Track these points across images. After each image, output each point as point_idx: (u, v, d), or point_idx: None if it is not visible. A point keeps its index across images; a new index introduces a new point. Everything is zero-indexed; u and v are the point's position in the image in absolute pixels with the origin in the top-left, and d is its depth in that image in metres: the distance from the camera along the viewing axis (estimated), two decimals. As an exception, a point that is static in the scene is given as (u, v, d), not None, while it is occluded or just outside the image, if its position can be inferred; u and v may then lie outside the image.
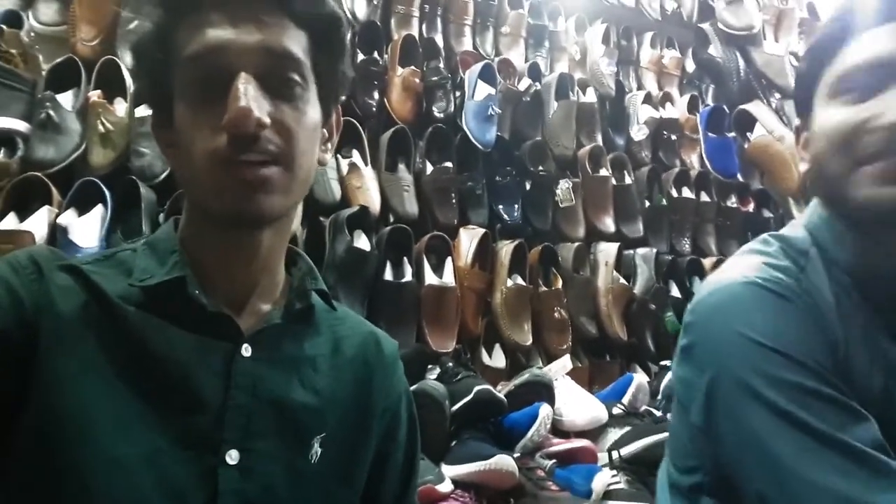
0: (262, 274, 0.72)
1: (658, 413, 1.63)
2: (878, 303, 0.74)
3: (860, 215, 0.72)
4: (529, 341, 1.79)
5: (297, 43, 0.65)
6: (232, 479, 0.63)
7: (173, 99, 0.65)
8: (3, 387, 0.58)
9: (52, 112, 1.39)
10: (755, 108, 2.08)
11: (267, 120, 0.61)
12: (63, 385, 0.59)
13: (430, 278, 1.70)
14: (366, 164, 1.76)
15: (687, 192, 2.30)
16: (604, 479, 1.35)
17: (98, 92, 1.46)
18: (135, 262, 0.68)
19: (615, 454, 1.47)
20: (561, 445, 1.48)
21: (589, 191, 2.09)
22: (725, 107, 2.30)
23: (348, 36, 0.73)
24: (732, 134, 2.26)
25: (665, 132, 2.33)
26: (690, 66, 2.55)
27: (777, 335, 0.69)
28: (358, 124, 1.77)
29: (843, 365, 0.71)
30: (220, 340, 0.67)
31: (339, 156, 1.73)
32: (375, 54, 1.86)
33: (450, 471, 1.30)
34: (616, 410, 1.61)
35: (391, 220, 1.77)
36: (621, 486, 1.36)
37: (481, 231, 1.81)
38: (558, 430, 1.59)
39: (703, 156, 2.34)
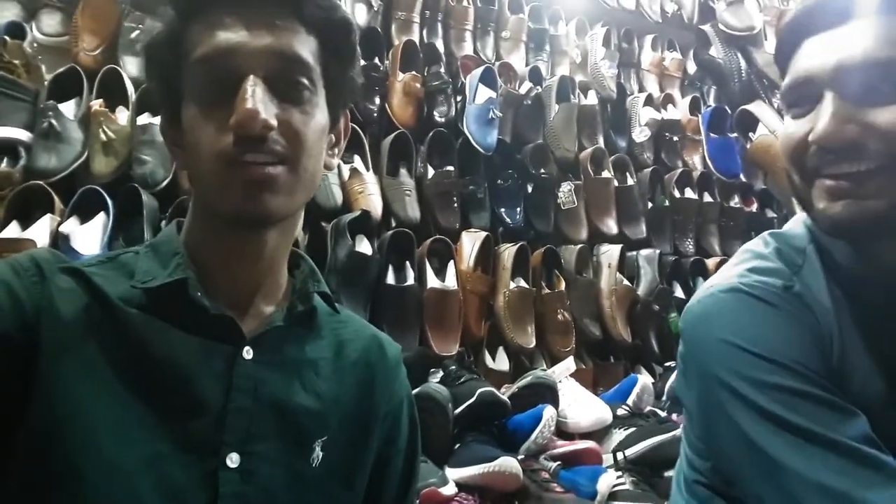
0: (266, 276, 0.72)
1: (663, 414, 1.62)
2: (874, 302, 0.74)
3: (823, 227, 0.72)
4: (533, 344, 1.79)
5: (307, 47, 0.66)
6: (232, 482, 0.63)
7: (182, 100, 0.65)
8: (5, 388, 0.58)
9: (54, 121, 1.40)
10: (757, 108, 2.08)
11: (274, 122, 0.61)
12: (64, 387, 0.59)
13: (432, 282, 1.70)
14: (367, 169, 1.77)
15: (689, 193, 2.30)
16: (609, 480, 1.34)
17: (100, 101, 1.47)
18: (137, 265, 0.68)
19: (620, 455, 1.47)
20: (565, 447, 1.47)
21: (591, 193, 2.09)
22: (727, 108, 2.30)
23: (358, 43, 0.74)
24: (734, 134, 2.26)
25: (667, 133, 2.33)
26: (692, 67, 2.55)
27: (761, 340, 0.70)
28: (359, 129, 1.78)
29: (839, 365, 0.71)
30: (221, 343, 0.67)
31: (340, 161, 1.74)
32: (376, 60, 1.87)
33: (453, 473, 1.30)
34: (621, 411, 1.61)
35: (393, 224, 1.77)
36: (626, 487, 1.35)
37: (483, 234, 1.81)
38: (563, 431, 1.58)
39: (706, 156, 2.34)
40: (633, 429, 1.53)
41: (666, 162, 2.34)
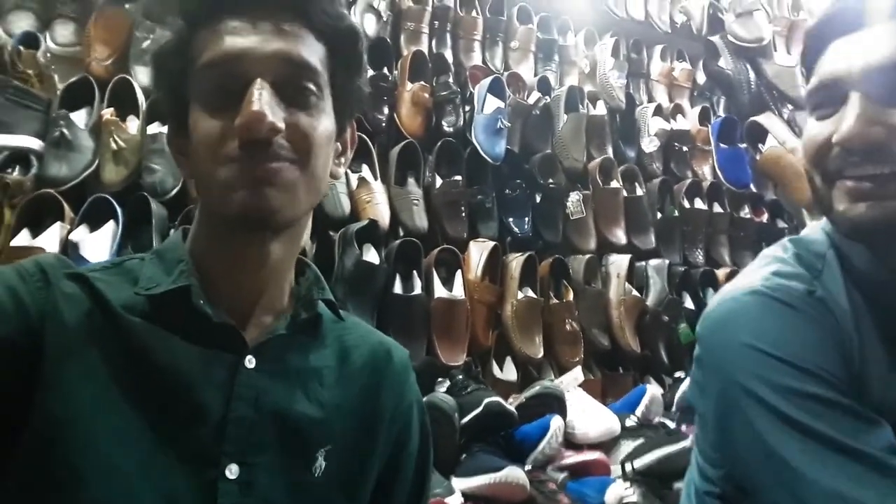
0: (270, 285, 0.71)
1: (672, 425, 1.60)
2: (894, 307, 0.73)
3: (842, 229, 0.71)
4: (541, 354, 1.78)
5: (314, 54, 0.66)
6: (231, 493, 0.62)
7: (189, 107, 0.65)
8: (8, 391, 0.58)
9: (65, 130, 1.42)
10: (766, 119, 2.07)
11: (281, 125, 0.61)
12: (65, 393, 0.59)
13: (439, 291, 1.69)
14: (375, 179, 1.77)
15: (699, 203, 2.29)
16: (617, 491, 1.33)
17: (111, 110, 1.49)
18: (142, 271, 0.68)
19: (628, 466, 1.45)
20: (573, 458, 1.46)
21: (600, 203, 2.08)
22: (737, 118, 2.29)
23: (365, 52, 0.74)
24: (744, 145, 2.25)
25: (676, 144, 2.33)
26: (701, 77, 2.55)
27: (783, 344, 0.69)
28: (368, 139, 1.78)
29: (860, 371, 0.70)
30: (224, 351, 0.66)
31: (348, 170, 1.74)
32: (385, 70, 1.88)
33: (460, 484, 1.29)
34: (629, 422, 1.59)
35: (401, 233, 1.77)
36: (635, 498, 1.34)
37: (491, 244, 1.80)
38: (571, 442, 1.57)
39: (716, 167, 2.33)
40: (641, 440, 1.52)
41: (675, 172, 2.33)
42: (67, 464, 0.57)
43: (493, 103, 1.93)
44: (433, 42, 2.03)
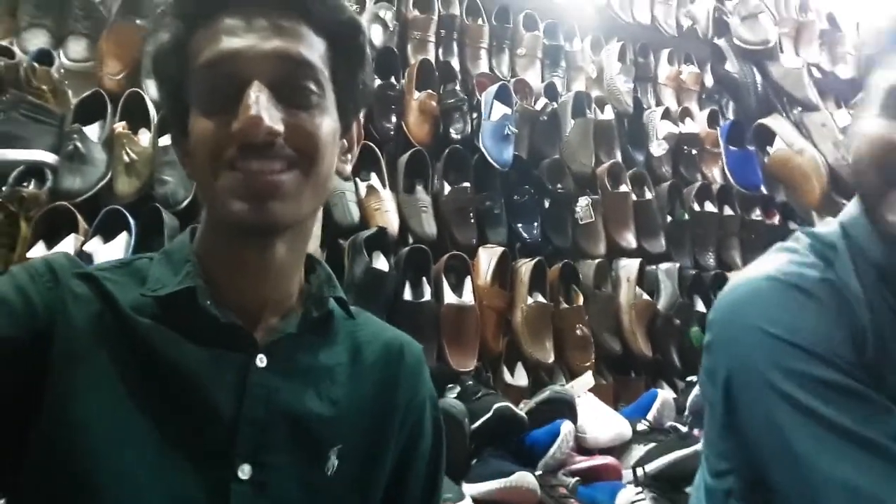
0: (277, 285, 0.70)
1: (684, 429, 1.60)
2: None
3: (890, 238, 0.70)
4: (551, 359, 1.78)
5: (314, 50, 0.64)
6: (244, 494, 0.62)
7: (189, 109, 0.64)
8: (17, 394, 0.58)
9: (79, 144, 1.44)
10: (774, 121, 2.07)
11: (279, 128, 0.60)
12: (74, 396, 0.59)
13: (449, 298, 1.70)
14: (384, 187, 1.79)
15: (710, 206, 2.28)
16: (627, 496, 1.33)
17: (123, 123, 1.52)
18: (150, 271, 0.68)
19: (640, 471, 1.45)
20: (584, 463, 1.46)
21: (609, 207, 2.08)
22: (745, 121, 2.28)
23: (368, 45, 0.72)
24: (753, 148, 2.24)
25: (685, 147, 2.32)
26: (710, 80, 2.54)
27: (797, 329, 0.69)
28: (376, 148, 1.80)
29: (874, 359, 0.69)
30: (233, 352, 0.66)
31: (357, 179, 1.76)
32: (392, 79, 1.90)
33: (470, 489, 1.30)
34: (641, 427, 1.59)
35: (410, 241, 1.78)
36: (647, 503, 1.33)
37: (500, 249, 1.81)
38: (582, 447, 1.57)
39: (725, 169, 2.32)
40: (653, 444, 1.51)
41: (685, 175, 2.32)
42: (79, 468, 0.57)
43: (500, 110, 1.94)
44: (440, 50, 2.05)
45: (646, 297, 2.00)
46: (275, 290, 0.70)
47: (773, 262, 0.77)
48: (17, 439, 0.58)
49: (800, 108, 2.21)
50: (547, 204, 2.00)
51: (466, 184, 1.86)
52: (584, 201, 2.01)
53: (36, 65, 1.51)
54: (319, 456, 0.68)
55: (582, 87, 2.24)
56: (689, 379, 1.93)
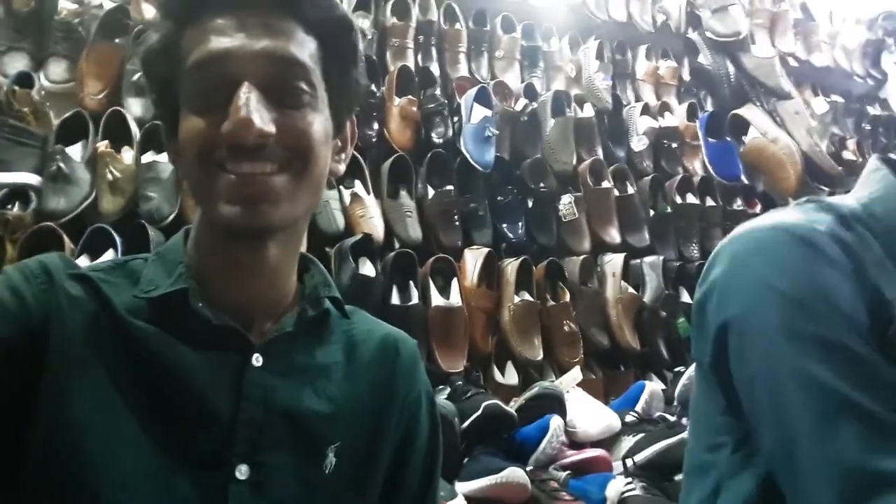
0: (271, 285, 0.70)
1: (672, 418, 1.62)
2: None
3: None
4: (540, 356, 1.80)
5: (305, 49, 0.63)
6: (242, 494, 0.62)
7: (179, 109, 0.64)
8: (12, 396, 0.58)
9: (62, 164, 1.46)
10: (748, 111, 2.10)
11: (270, 129, 0.60)
12: (69, 398, 0.59)
13: (436, 300, 1.72)
14: (368, 193, 1.81)
15: (691, 198, 2.30)
16: (617, 486, 1.35)
17: (105, 142, 1.53)
18: (144, 272, 0.67)
19: (629, 462, 1.47)
20: (575, 456, 1.48)
21: (592, 204, 2.10)
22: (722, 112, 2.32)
23: (360, 42, 0.71)
24: (729, 138, 2.27)
25: (665, 141, 2.35)
26: (687, 74, 2.57)
27: (804, 284, 0.63)
28: (358, 155, 1.82)
29: (890, 324, 0.63)
30: (228, 353, 0.65)
31: (341, 187, 1.78)
32: (373, 86, 1.91)
33: (462, 487, 1.31)
34: (629, 418, 1.61)
35: (396, 245, 1.80)
36: (636, 492, 1.36)
37: (485, 250, 1.83)
38: (573, 441, 1.59)
39: (706, 161, 2.35)
40: (641, 434, 1.53)
41: (666, 169, 2.34)
42: (75, 471, 0.57)
43: (480, 112, 1.96)
44: (419, 56, 2.07)
45: (631, 290, 2.02)
46: (269, 291, 0.70)
47: (781, 214, 0.71)
48: (12, 441, 0.58)
49: (773, 98, 2.24)
50: (530, 203, 2.03)
51: (450, 187, 1.88)
52: (566, 199, 2.04)
53: (16, 88, 1.52)
54: (317, 454, 0.67)
55: (561, 86, 2.26)
56: (677, 370, 1.95)
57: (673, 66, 2.52)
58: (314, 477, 0.67)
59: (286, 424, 0.66)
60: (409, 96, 1.92)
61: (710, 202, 2.35)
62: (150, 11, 1.65)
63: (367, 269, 1.67)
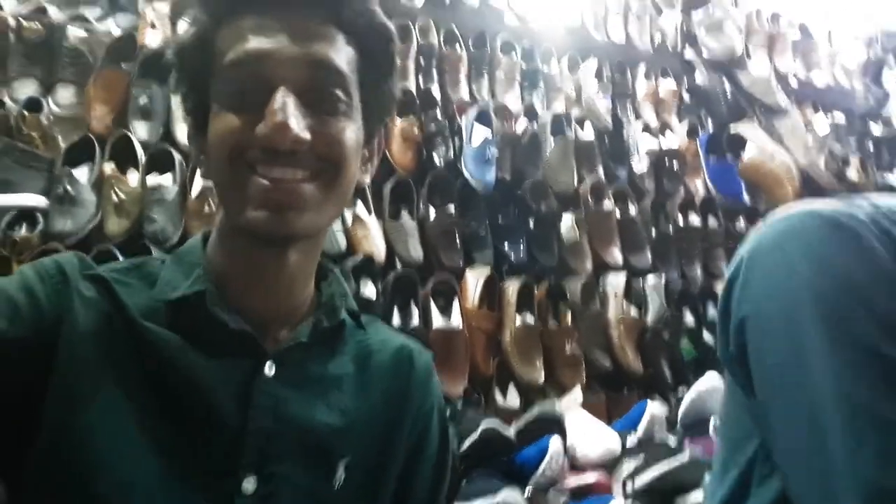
0: (290, 293, 0.69)
1: (673, 441, 1.61)
2: None
3: None
4: (542, 379, 1.80)
5: (344, 56, 0.63)
6: None
7: (210, 107, 0.63)
8: (22, 394, 0.58)
9: (68, 186, 1.48)
10: (745, 128, 2.11)
11: (305, 136, 0.59)
12: (77, 401, 0.58)
13: (437, 321, 1.73)
14: (370, 214, 1.82)
15: (693, 218, 2.31)
16: (616, 510, 1.34)
17: (112, 165, 1.56)
18: (160, 274, 0.67)
19: (629, 486, 1.46)
20: (574, 480, 1.47)
21: (593, 224, 2.11)
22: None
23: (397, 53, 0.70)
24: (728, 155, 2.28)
25: (666, 160, 2.35)
26: (686, 93, 2.58)
27: (835, 275, 0.58)
28: (360, 177, 1.83)
29: None
30: (242, 359, 0.65)
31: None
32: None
33: (460, 510, 1.31)
34: (630, 441, 1.61)
35: (398, 266, 1.81)
36: (635, 516, 1.35)
37: (487, 271, 1.84)
38: (574, 465, 1.58)
39: (707, 180, 2.35)
40: (642, 458, 1.53)
41: (667, 189, 2.35)
42: (80, 476, 0.57)
43: (480, 134, 1.98)
44: (420, 78, 2.09)
45: (634, 311, 2.02)
46: (287, 298, 0.70)
47: (818, 202, 0.65)
48: (21, 442, 0.58)
49: (771, 115, 2.25)
50: (531, 224, 2.03)
51: (451, 206, 1.89)
52: (568, 221, 2.04)
53: (26, 112, 1.55)
54: (328, 469, 0.67)
55: (561, 107, 2.27)
56: (680, 391, 1.94)
57: (672, 85, 2.54)
58: (323, 491, 0.66)
59: (297, 437, 0.65)
60: (411, 118, 1.94)
61: (712, 222, 2.35)
62: (155, 39, 1.68)
63: (369, 290, 1.68)
